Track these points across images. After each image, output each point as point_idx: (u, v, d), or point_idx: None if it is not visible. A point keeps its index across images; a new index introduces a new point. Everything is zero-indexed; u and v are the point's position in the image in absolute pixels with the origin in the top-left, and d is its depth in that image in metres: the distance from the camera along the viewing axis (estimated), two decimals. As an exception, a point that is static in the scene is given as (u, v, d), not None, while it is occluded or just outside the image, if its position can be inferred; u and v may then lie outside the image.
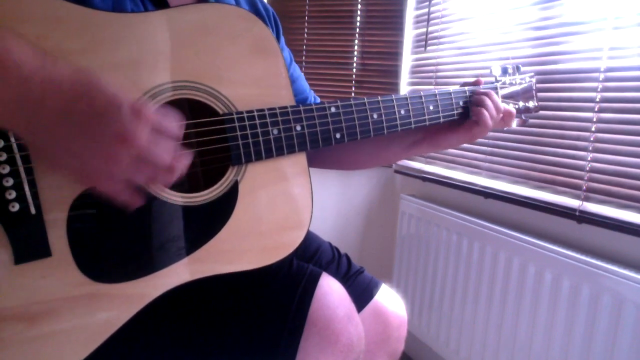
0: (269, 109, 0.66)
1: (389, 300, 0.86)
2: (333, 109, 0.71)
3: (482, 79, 0.90)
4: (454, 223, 1.52)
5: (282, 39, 0.90)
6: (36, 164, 0.52)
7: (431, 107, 0.81)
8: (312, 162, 0.74)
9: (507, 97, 0.92)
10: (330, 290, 0.69)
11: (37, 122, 0.46)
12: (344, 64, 2.00)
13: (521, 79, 0.94)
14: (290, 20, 2.04)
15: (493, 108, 0.84)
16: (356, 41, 1.97)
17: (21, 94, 0.45)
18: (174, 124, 0.51)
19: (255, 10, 0.84)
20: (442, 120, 0.83)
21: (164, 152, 0.50)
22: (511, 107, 0.89)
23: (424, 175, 1.75)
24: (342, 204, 2.06)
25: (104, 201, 0.56)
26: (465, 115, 0.85)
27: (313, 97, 0.94)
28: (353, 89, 2.00)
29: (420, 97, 0.80)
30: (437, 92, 0.82)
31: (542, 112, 1.31)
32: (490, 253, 1.39)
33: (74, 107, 0.46)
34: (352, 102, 0.73)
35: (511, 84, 0.93)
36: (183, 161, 0.52)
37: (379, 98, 0.76)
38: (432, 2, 1.73)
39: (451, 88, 0.84)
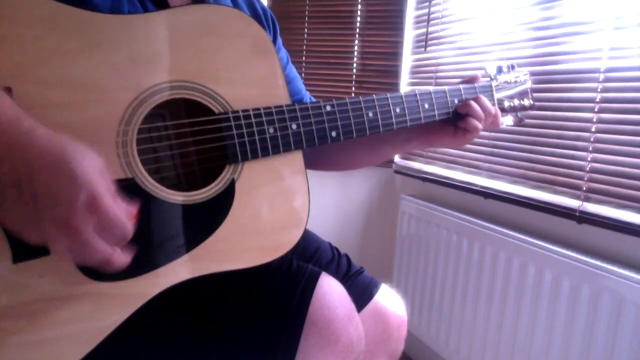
0: (265, 108, 0.66)
1: (389, 300, 0.86)
2: (328, 108, 0.72)
3: (479, 75, 0.90)
4: (454, 223, 1.51)
5: (280, 40, 0.90)
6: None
7: (426, 106, 0.81)
8: (305, 164, 0.75)
9: (502, 96, 0.92)
10: (330, 290, 0.69)
11: (1, 178, 0.44)
12: (344, 65, 2.00)
13: (516, 77, 0.94)
14: (290, 20, 2.04)
15: (481, 112, 0.84)
16: (356, 41, 1.97)
17: None
18: (127, 228, 0.49)
19: (253, 12, 0.84)
20: (437, 118, 0.83)
21: (102, 249, 0.48)
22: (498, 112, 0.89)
23: (424, 176, 1.75)
24: (342, 204, 2.06)
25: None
26: (460, 115, 0.86)
27: (309, 98, 0.94)
28: (353, 89, 2.00)
29: (415, 95, 0.80)
30: (432, 90, 0.82)
31: (542, 112, 1.32)
32: (490, 253, 1.39)
33: (38, 173, 0.44)
34: (348, 100, 0.73)
35: (506, 83, 0.93)
36: (119, 261, 0.50)
37: (374, 97, 0.76)
38: (432, 2, 1.73)
39: (446, 87, 0.85)
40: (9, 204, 0.45)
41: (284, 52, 0.90)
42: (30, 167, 0.44)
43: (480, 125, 0.84)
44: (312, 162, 0.91)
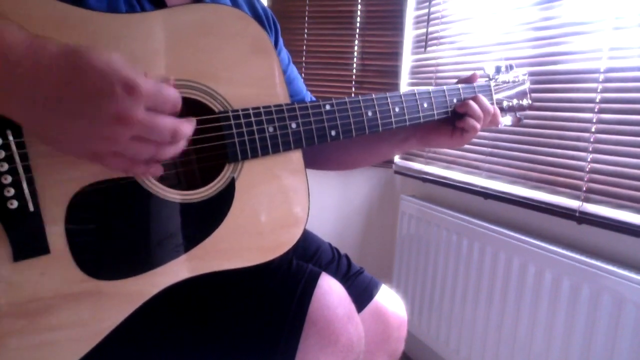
0: (265, 107, 0.66)
1: (388, 300, 0.86)
2: (328, 107, 0.72)
3: (477, 74, 0.90)
4: (454, 223, 1.51)
5: (281, 40, 0.90)
6: (34, 162, 0.53)
7: (425, 105, 0.82)
8: (304, 163, 0.75)
9: (501, 96, 0.92)
10: (330, 290, 0.69)
11: (32, 108, 0.45)
12: (344, 65, 2.00)
13: (515, 77, 0.94)
14: (290, 21, 2.04)
15: (480, 112, 0.84)
16: (356, 42, 1.97)
17: (12, 80, 0.44)
18: (171, 92, 0.50)
19: (253, 12, 0.84)
20: (436, 117, 0.83)
21: (164, 125, 0.49)
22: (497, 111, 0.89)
23: (424, 176, 1.75)
24: (342, 205, 2.06)
25: (102, 198, 0.56)
26: (459, 114, 0.85)
27: (310, 98, 0.94)
28: (353, 89, 2.00)
29: (414, 94, 0.80)
30: (431, 90, 0.82)
31: (542, 113, 1.32)
32: (490, 253, 1.39)
33: (66, 91, 0.45)
34: (347, 99, 0.74)
35: (505, 83, 0.93)
36: (185, 130, 0.51)
37: (373, 96, 0.76)
38: (432, 2, 1.73)
39: (445, 86, 0.85)
40: (61, 128, 0.46)
41: (285, 53, 0.90)
42: (56, 84, 0.45)
43: (478, 126, 0.83)
44: (312, 162, 0.91)
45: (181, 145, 0.52)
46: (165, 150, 0.51)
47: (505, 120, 0.93)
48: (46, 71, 0.44)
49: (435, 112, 0.83)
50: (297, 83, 0.91)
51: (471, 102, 0.83)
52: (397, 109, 0.78)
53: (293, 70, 0.92)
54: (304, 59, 2.05)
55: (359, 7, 1.95)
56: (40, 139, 0.50)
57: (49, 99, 0.45)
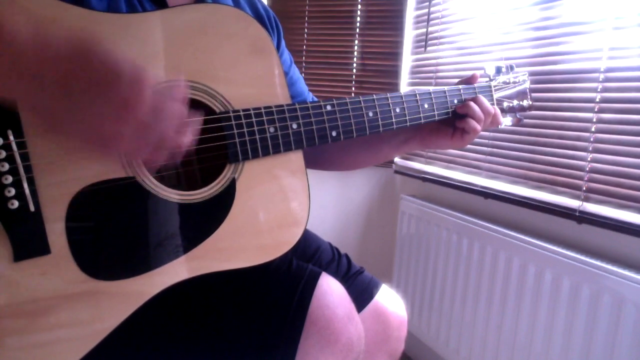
0: (265, 107, 0.66)
1: (389, 300, 0.86)
2: (329, 107, 0.72)
3: (478, 74, 0.90)
4: (454, 223, 1.51)
5: (283, 42, 0.90)
6: (35, 162, 0.53)
7: (426, 105, 0.81)
8: (305, 164, 0.75)
9: (501, 97, 0.92)
10: (330, 290, 0.69)
11: (38, 93, 0.46)
12: (344, 64, 2.00)
13: (515, 78, 0.94)
14: (290, 20, 2.04)
15: (480, 113, 0.83)
16: (356, 41, 1.97)
17: (18, 64, 0.44)
18: (180, 84, 0.50)
19: (255, 13, 0.84)
20: (437, 118, 0.83)
21: (171, 113, 0.50)
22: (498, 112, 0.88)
23: (424, 176, 1.75)
24: (342, 204, 2.06)
25: (103, 198, 0.56)
26: (459, 115, 0.85)
27: (312, 99, 0.94)
28: (353, 89, 2.00)
29: (415, 95, 0.80)
30: (431, 90, 0.82)
31: (542, 112, 1.32)
32: (490, 253, 1.39)
33: (73, 76, 0.45)
34: (348, 100, 0.74)
35: (505, 84, 0.93)
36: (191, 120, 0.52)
37: (374, 96, 0.76)
38: (432, 2, 1.73)
39: (446, 87, 0.84)
40: (68, 113, 0.47)
41: (287, 55, 0.90)
42: (66, 69, 0.45)
43: (478, 127, 0.83)
44: (313, 162, 0.91)
45: (188, 138, 0.52)
46: (171, 137, 0.51)
47: (506, 121, 0.93)
48: (52, 57, 0.45)
49: (435, 112, 0.83)
50: (300, 85, 0.91)
51: (471, 103, 0.83)
52: (398, 110, 0.78)
53: (295, 72, 0.92)
54: (303, 58, 2.05)
55: (359, 6, 1.95)
56: (45, 124, 0.50)
57: (56, 84, 0.45)
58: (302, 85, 0.92)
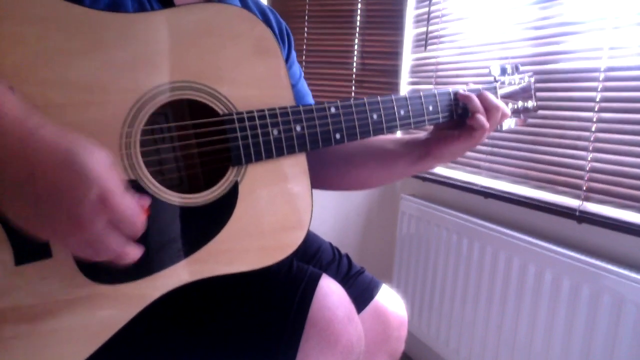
0: (269, 110, 0.66)
1: (389, 300, 0.86)
2: (333, 110, 0.71)
3: (480, 85, 0.89)
4: (454, 223, 1.52)
5: (294, 54, 0.88)
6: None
7: (430, 108, 0.80)
8: (316, 183, 0.74)
9: (505, 97, 0.92)
10: (330, 291, 0.69)
11: (5, 177, 0.44)
12: (344, 64, 1.99)
13: (520, 78, 0.94)
14: (290, 20, 2.04)
15: (480, 106, 0.80)
16: (356, 41, 1.97)
17: None
18: (138, 219, 0.50)
19: (264, 19, 0.83)
20: (441, 120, 0.82)
21: (114, 245, 0.49)
22: (504, 105, 0.86)
23: (424, 175, 1.75)
24: (342, 204, 2.06)
25: None
26: (465, 117, 0.84)
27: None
28: (353, 88, 2.00)
29: (420, 97, 0.79)
30: (436, 92, 0.81)
31: (542, 112, 1.31)
32: (490, 253, 1.39)
33: (44, 174, 0.44)
34: (352, 102, 0.73)
35: (510, 84, 0.92)
36: (131, 256, 0.51)
37: (379, 98, 0.75)
38: (432, 1, 1.73)
39: (450, 88, 0.84)
40: (14, 204, 0.45)
41: (297, 67, 0.89)
42: (33, 170, 0.44)
43: (486, 123, 0.80)
44: (324, 182, 0.88)
45: (124, 263, 0.51)
46: (114, 250, 0.50)
47: (510, 122, 0.92)
48: (34, 150, 0.44)
49: (440, 115, 0.81)
50: (307, 99, 0.90)
51: (475, 97, 0.81)
52: (402, 112, 0.77)
53: (304, 85, 0.90)
54: (304, 58, 2.04)
55: (359, 6, 1.94)
56: (5, 207, 0.48)
57: (25, 174, 0.44)
58: (309, 100, 0.90)
